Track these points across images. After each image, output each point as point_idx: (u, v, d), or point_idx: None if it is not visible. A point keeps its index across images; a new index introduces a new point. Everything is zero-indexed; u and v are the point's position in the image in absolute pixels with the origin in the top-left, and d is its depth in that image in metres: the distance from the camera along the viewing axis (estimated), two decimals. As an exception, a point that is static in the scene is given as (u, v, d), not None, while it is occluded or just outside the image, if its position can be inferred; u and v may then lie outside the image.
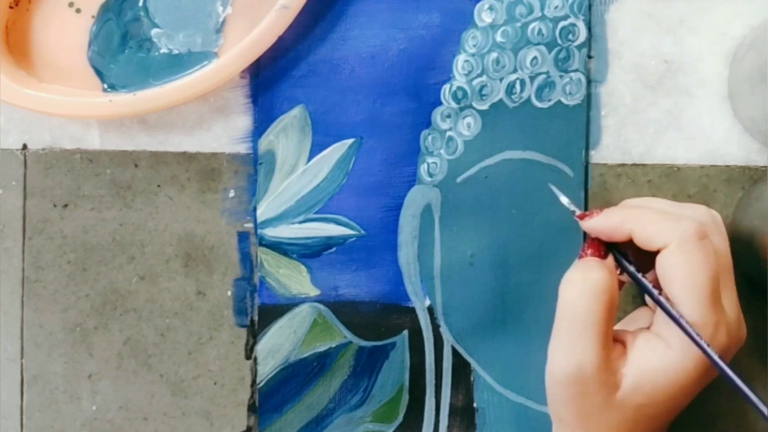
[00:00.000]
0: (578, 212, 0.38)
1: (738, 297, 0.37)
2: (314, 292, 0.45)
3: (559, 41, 0.43)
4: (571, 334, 0.35)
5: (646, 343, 0.35)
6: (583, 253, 0.37)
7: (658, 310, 0.35)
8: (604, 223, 0.36)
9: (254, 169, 0.45)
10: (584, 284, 0.35)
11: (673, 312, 0.34)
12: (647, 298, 0.39)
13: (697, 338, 0.33)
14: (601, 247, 0.37)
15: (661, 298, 0.35)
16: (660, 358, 0.34)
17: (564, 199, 0.39)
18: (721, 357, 0.33)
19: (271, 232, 0.45)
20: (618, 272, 0.37)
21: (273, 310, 0.45)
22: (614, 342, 0.36)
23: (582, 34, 0.43)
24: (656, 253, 0.35)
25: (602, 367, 0.34)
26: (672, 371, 0.34)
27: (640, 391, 0.34)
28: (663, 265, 0.34)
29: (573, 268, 0.36)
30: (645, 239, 0.35)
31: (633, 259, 0.37)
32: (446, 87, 0.44)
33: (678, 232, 0.34)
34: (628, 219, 0.36)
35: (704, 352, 0.33)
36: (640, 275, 0.36)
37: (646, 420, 0.35)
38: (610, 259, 0.36)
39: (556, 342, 0.35)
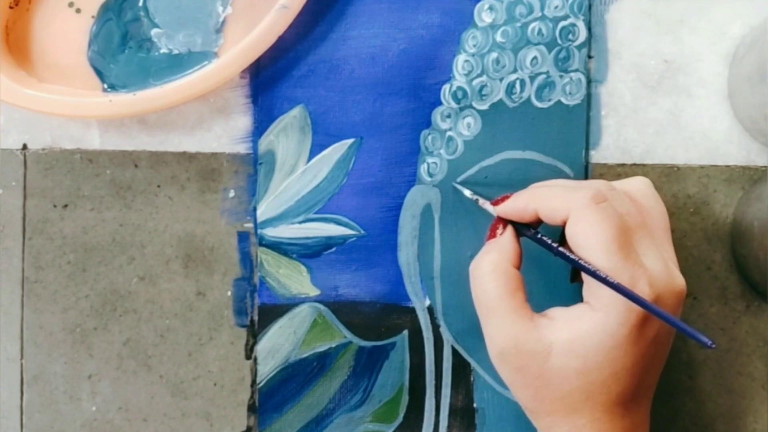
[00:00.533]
0: (481, 200, 0.41)
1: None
2: (314, 292, 0.45)
3: (559, 41, 0.43)
4: (486, 319, 0.37)
5: (574, 311, 0.36)
6: (487, 236, 0.40)
7: (585, 283, 0.36)
8: (512, 205, 0.39)
9: (254, 169, 0.45)
10: (476, 271, 0.38)
11: (588, 266, 0.35)
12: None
13: (615, 282, 0.34)
14: (499, 224, 0.39)
15: (568, 252, 0.36)
16: (587, 322, 0.35)
17: (467, 192, 0.42)
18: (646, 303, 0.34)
19: (271, 232, 0.45)
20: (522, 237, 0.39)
21: (273, 310, 0.45)
22: (540, 317, 0.37)
23: (582, 34, 0.43)
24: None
25: (525, 337, 0.36)
26: (600, 330, 0.35)
27: (574, 354, 0.35)
28: (569, 236, 0.36)
29: (475, 257, 0.39)
30: (548, 215, 0.37)
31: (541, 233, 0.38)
32: (446, 87, 0.44)
33: (575, 200, 0.36)
34: (533, 199, 0.38)
35: (625, 294, 0.34)
36: (540, 235, 0.38)
37: (600, 390, 0.36)
38: (506, 238, 0.39)
39: (483, 331, 0.38)
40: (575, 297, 0.37)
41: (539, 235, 0.38)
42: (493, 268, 0.37)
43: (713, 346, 0.32)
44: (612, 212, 0.35)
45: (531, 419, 0.39)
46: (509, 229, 0.39)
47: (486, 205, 0.40)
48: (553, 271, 0.44)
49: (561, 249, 0.37)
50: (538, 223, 0.38)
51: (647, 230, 0.36)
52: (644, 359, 0.36)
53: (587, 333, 0.35)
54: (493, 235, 0.39)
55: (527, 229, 0.39)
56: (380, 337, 0.45)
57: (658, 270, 0.35)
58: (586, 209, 0.35)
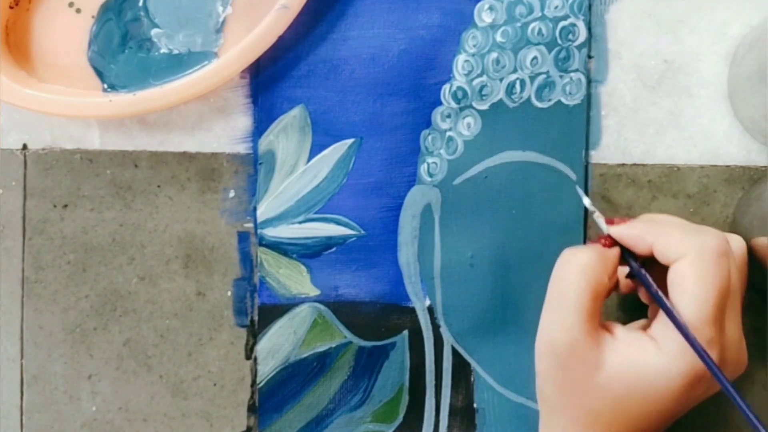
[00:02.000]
0: (597, 214, 0.39)
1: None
2: (314, 292, 0.45)
3: (559, 41, 0.43)
4: (555, 307, 0.36)
5: (639, 341, 0.36)
6: (595, 241, 0.38)
7: (658, 316, 0.36)
8: (628, 231, 0.37)
9: (254, 169, 0.45)
10: (571, 260, 0.37)
11: (673, 312, 0.34)
12: (650, 310, 0.40)
13: (694, 340, 0.33)
14: (607, 240, 0.38)
15: (663, 298, 0.35)
16: (648, 357, 0.35)
17: (586, 201, 0.40)
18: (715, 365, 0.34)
19: (271, 232, 0.45)
20: (626, 275, 0.38)
21: (273, 310, 0.45)
22: (604, 330, 0.36)
23: (582, 34, 0.43)
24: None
25: (584, 343, 0.35)
26: (658, 372, 0.34)
27: (622, 380, 0.35)
28: (675, 272, 0.35)
29: (572, 249, 0.38)
30: (664, 252, 0.35)
31: (641, 263, 0.37)
32: (446, 87, 0.44)
33: (698, 244, 0.35)
34: (651, 232, 0.36)
35: (699, 353, 0.33)
36: (643, 271, 0.37)
37: (627, 420, 0.36)
38: (613, 252, 0.37)
39: (543, 315, 0.37)
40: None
41: (643, 271, 0.37)
42: (589, 265, 0.36)
43: None
44: (726, 271, 0.34)
45: (540, 407, 0.38)
46: (617, 249, 0.38)
47: (600, 220, 0.38)
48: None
49: (656, 289, 0.36)
50: (643, 255, 0.37)
51: (737, 296, 0.36)
52: (678, 411, 0.36)
53: (645, 368, 0.34)
54: (606, 244, 0.38)
55: (634, 260, 0.37)
56: (380, 337, 0.45)
57: (734, 341, 0.35)
58: (706, 256, 0.34)
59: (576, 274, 0.36)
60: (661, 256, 0.36)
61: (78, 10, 0.45)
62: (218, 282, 0.45)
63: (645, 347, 0.35)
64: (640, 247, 0.37)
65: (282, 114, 0.44)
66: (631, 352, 0.35)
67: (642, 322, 0.40)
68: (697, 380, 0.34)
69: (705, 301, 0.34)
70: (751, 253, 0.41)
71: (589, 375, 0.35)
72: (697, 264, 0.34)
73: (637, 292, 0.40)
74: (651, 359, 0.35)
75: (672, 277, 0.35)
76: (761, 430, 0.32)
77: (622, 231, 0.37)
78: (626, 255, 0.37)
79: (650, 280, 0.36)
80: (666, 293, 0.36)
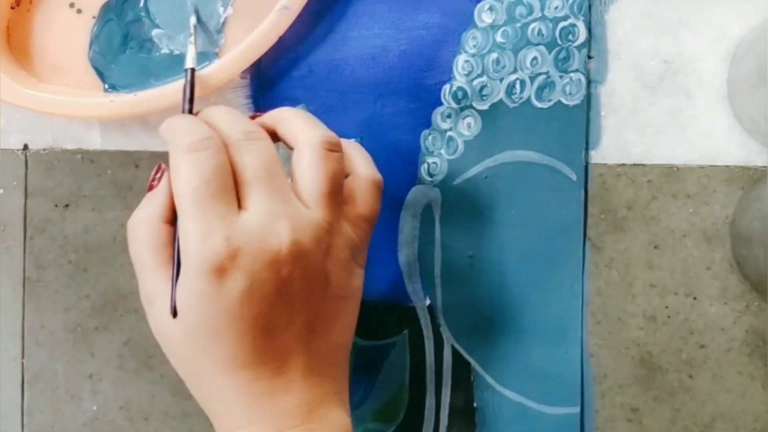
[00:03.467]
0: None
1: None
2: (315, 291, 0.45)
3: (559, 42, 0.43)
4: (136, 269, 0.36)
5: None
6: (151, 182, 0.38)
7: None
8: (167, 125, 0.37)
9: (255, 169, 0.45)
10: (128, 227, 0.36)
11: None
12: None
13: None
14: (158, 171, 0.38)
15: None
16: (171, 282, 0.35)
17: (191, 62, 0.41)
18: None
19: (272, 232, 0.45)
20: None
21: (273, 310, 0.45)
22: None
23: (582, 35, 0.43)
24: None
25: (157, 293, 0.35)
26: (185, 289, 0.34)
27: (180, 319, 0.34)
28: (297, 154, 0.36)
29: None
30: (287, 136, 0.37)
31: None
32: (446, 87, 0.44)
33: (316, 134, 0.36)
34: (274, 119, 0.38)
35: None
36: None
37: (213, 354, 0.34)
38: (161, 190, 0.37)
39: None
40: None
41: None
42: (138, 224, 0.36)
43: None
44: (205, 159, 0.34)
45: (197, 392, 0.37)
46: (165, 184, 0.36)
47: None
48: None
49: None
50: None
51: (275, 186, 0.35)
52: (252, 312, 0.34)
53: (179, 294, 0.34)
54: (151, 187, 0.37)
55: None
56: (380, 336, 0.45)
57: (253, 223, 0.34)
58: (181, 155, 0.34)
59: (133, 238, 0.36)
60: (285, 139, 0.37)
61: (79, 11, 0.45)
62: (219, 282, 0.45)
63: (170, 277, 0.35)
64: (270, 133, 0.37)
65: (282, 114, 0.44)
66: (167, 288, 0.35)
67: None
68: (216, 272, 0.33)
69: (188, 195, 0.34)
70: (749, 249, 0.42)
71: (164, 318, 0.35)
72: (176, 165, 0.34)
73: None
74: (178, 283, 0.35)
75: (294, 159, 0.36)
76: None
77: (163, 126, 0.37)
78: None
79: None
80: None
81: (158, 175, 0.37)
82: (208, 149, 0.34)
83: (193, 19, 0.41)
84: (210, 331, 0.34)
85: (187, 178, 0.34)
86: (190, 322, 0.34)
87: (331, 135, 0.36)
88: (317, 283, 0.35)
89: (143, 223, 0.36)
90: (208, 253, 0.33)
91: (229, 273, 0.33)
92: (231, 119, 0.36)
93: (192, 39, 0.42)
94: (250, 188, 0.34)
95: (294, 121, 0.37)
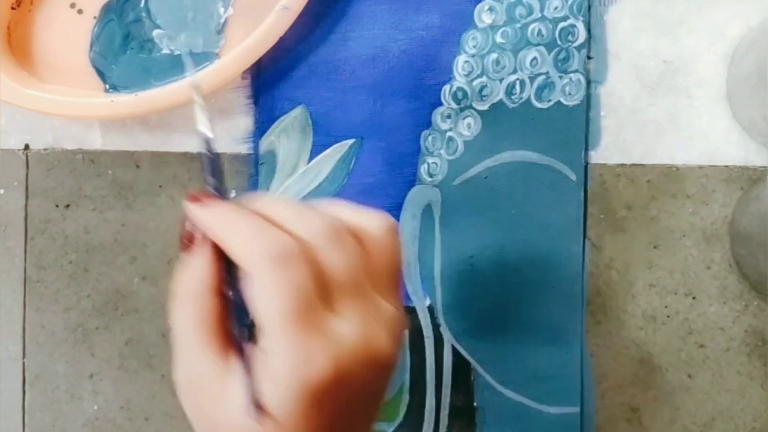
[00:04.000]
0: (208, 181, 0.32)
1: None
2: (315, 291, 0.45)
3: (559, 42, 0.43)
4: (175, 344, 0.31)
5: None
6: (186, 240, 0.32)
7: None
8: (203, 216, 0.31)
9: (255, 169, 0.45)
10: (175, 292, 0.31)
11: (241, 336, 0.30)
12: None
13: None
14: (190, 235, 0.31)
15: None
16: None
17: (203, 127, 0.32)
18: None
19: (272, 232, 0.45)
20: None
21: (274, 310, 0.45)
22: (233, 356, 0.31)
23: (581, 35, 0.43)
24: None
25: (206, 378, 0.31)
26: (280, 381, 0.29)
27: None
28: (249, 297, 0.30)
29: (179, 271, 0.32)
30: (233, 255, 0.30)
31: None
32: (446, 87, 0.44)
33: (255, 253, 0.29)
34: (223, 222, 0.31)
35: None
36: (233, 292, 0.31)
37: None
38: (201, 257, 0.31)
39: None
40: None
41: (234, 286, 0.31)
42: (187, 293, 0.31)
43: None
44: (297, 274, 0.29)
45: None
46: (207, 248, 0.31)
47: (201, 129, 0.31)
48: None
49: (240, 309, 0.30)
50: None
51: (358, 285, 0.31)
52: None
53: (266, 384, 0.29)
54: (185, 247, 0.32)
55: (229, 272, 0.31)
56: (381, 336, 0.45)
57: (351, 336, 0.30)
58: (264, 268, 0.29)
59: (180, 305, 0.31)
60: (235, 259, 0.30)
61: (80, 11, 0.45)
62: (219, 282, 0.45)
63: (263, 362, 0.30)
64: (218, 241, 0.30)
65: (283, 114, 0.45)
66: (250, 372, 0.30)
67: None
68: (317, 396, 0.29)
69: (278, 315, 0.29)
70: (749, 249, 0.42)
71: (221, 410, 0.30)
72: (258, 280, 0.29)
73: None
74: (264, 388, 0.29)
75: (250, 302, 0.30)
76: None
77: (197, 213, 0.31)
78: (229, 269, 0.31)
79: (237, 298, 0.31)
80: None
81: (188, 228, 0.31)
82: (295, 264, 0.29)
83: (193, 79, 0.35)
84: None
85: (277, 297, 0.29)
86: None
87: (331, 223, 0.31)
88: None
89: (191, 296, 0.31)
90: (311, 375, 0.29)
91: (333, 390, 0.30)
92: (297, 217, 0.31)
93: (198, 101, 0.32)
94: (339, 292, 0.30)
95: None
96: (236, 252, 0.30)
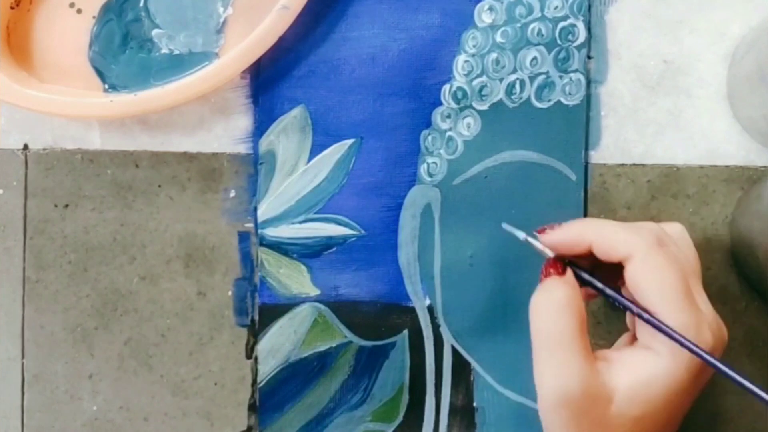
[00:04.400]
0: (534, 241, 0.38)
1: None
2: (314, 291, 0.45)
3: (559, 42, 0.43)
4: (550, 356, 0.35)
5: (635, 356, 0.35)
6: (543, 274, 0.37)
7: (638, 324, 0.35)
8: (563, 236, 0.36)
9: (255, 169, 0.45)
10: (549, 305, 0.35)
11: (653, 319, 0.34)
12: (627, 317, 0.39)
13: (681, 339, 0.33)
14: (559, 265, 0.36)
15: (640, 310, 0.34)
16: (651, 368, 0.34)
17: (520, 235, 0.39)
18: (710, 354, 0.33)
19: (272, 232, 0.45)
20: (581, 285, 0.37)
21: (273, 310, 0.45)
22: (597, 360, 0.35)
23: (582, 35, 0.43)
24: (616, 266, 0.35)
25: (590, 381, 0.34)
26: (666, 378, 0.34)
27: (636, 402, 0.34)
28: (633, 276, 0.34)
29: (537, 292, 0.36)
30: (605, 250, 0.35)
31: (594, 273, 0.37)
32: (446, 87, 0.44)
33: (639, 242, 0.34)
34: (587, 231, 0.36)
35: (692, 351, 0.33)
36: (602, 285, 0.36)
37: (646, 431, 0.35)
38: (570, 274, 0.36)
39: (538, 369, 0.35)
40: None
41: (597, 279, 0.36)
42: (567, 302, 0.35)
43: None
44: (674, 256, 0.34)
45: None
46: (570, 273, 0.36)
47: (537, 243, 0.37)
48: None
49: (623, 298, 0.35)
50: (584, 258, 0.37)
51: (697, 276, 0.36)
52: (689, 405, 0.35)
53: (653, 379, 0.34)
54: (556, 271, 0.36)
55: (586, 273, 0.37)
56: (380, 336, 0.45)
57: (711, 315, 0.35)
58: (653, 252, 0.34)
59: (557, 317, 0.35)
60: (604, 255, 0.35)
61: (79, 11, 0.45)
62: (219, 282, 0.45)
63: (645, 359, 0.34)
64: (577, 248, 0.36)
65: (282, 114, 0.44)
66: (634, 371, 0.34)
67: (624, 338, 0.39)
68: (701, 368, 0.34)
69: (673, 293, 0.34)
70: (749, 249, 0.42)
71: (604, 410, 0.34)
72: (648, 261, 0.34)
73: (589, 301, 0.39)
74: (655, 368, 0.34)
75: (632, 283, 0.34)
76: (762, 395, 0.32)
77: (557, 235, 0.37)
78: (580, 274, 0.37)
79: (616, 294, 0.36)
80: (619, 291, 0.36)
81: (556, 266, 0.36)
82: (670, 247, 0.35)
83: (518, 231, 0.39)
84: (665, 418, 0.35)
85: (669, 273, 0.34)
86: (651, 409, 0.34)
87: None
88: None
89: (569, 303, 0.35)
90: (703, 345, 0.33)
91: (707, 366, 0.34)
92: (629, 225, 0.36)
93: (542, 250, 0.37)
94: (691, 281, 0.35)
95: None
96: (619, 245, 0.35)
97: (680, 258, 0.35)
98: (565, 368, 0.34)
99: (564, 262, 0.36)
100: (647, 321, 0.34)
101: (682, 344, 0.33)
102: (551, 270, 0.36)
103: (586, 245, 0.36)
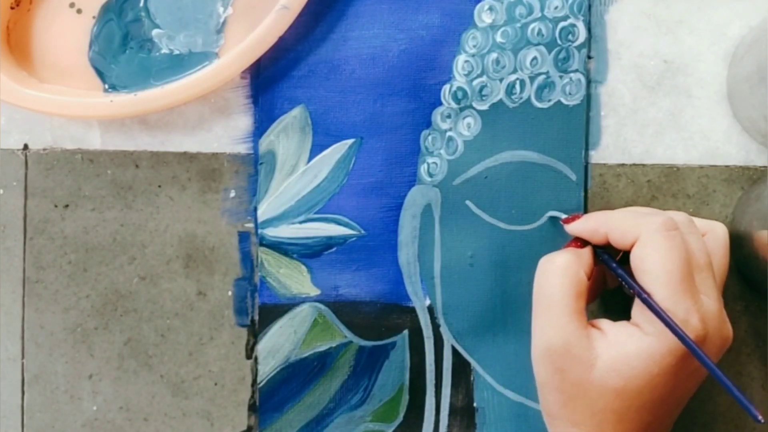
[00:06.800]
0: (564, 217, 0.42)
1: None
2: (314, 291, 0.45)
3: (559, 42, 0.43)
4: (542, 312, 0.37)
5: (624, 330, 0.36)
6: (567, 245, 0.40)
7: (635, 302, 0.37)
8: (583, 225, 0.40)
9: (255, 169, 0.45)
10: (549, 266, 0.38)
11: (644, 295, 0.35)
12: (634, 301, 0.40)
13: (668, 318, 0.34)
14: (579, 242, 0.40)
15: (634, 284, 0.36)
16: (636, 343, 0.35)
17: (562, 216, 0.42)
18: (697, 344, 0.34)
19: (272, 232, 0.45)
20: (596, 264, 0.40)
21: (273, 310, 0.45)
22: (592, 327, 0.37)
23: (582, 35, 0.43)
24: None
25: (573, 341, 0.36)
26: (648, 356, 0.35)
27: (617, 372, 0.35)
28: (634, 258, 0.36)
29: (545, 257, 0.39)
30: (618, 238, 0.37)
31: (611, 255, 0.39)
32: (446, 87, 0.44)
33: (645, 224, 0.36)
34: (604, 221, 0.38)
35: (675, 333, 0.34)
36: (614, 264, 0.38)
37: (632, 414, 0.36)
38: (585, 251, 0.39)
39: (533, 323, 0.38)
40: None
41: (606, 257, 0.39)
42: (567, 266, 0.37)
43: (761, 420, 0.32)
44: (680, 242, 0.36)
45: (547, 425, 0.38)
46: (589, 248, 0.39)
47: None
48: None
49: (621, 271, 0.37)
50: (608, 247, 0.39)
51: (712, 273, 0.37)
52: (678, 392, 0.36)
53: (634, 355, 0.35)
54: (575, 246, 0.40)
55: (601, 252, 0.39)
56: (380, 336, 0.45)
57: (714, 310, 0.36)
58: (655, 234, 0.36)
59: (556, 276, 0.37)
60: (617, 243, 0.37)
61: (79, 11, 0.45)
62: (219, 282, 0.45)
63: (631, 334, 0.36)
64: (596, 238, 0.39)
65: (282, 114, 0.44)
66: (620, 343, 0.36)
67: None
68: (687, 354, 0.35)
69: (667, 275, 0.35)
70: (749, 249, 0.42)
71: (586, 373, 0.36)
72: (649, 243, 0.36)
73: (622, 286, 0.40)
74: (638, 345, 0.35)
75: (633, 264, 0.36)
76: (728, 384, 0.33)
77: (578, 226, 0.40)
78: (599, 253, 0.39)
79: (622, 271, 0.37)
80: (627, 271, 0.37)
81: (578, 244, 0.40)
82: (678, 234, 0.36)
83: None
84: (646, 399, 0.36)
85: (668, 255, 0.35)
86: (631, 385, 0.35)
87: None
88: None
89: (567, 267, 0.37)
90: (690, 331, 0.35)
91: (689, 357, 0.35)
92: (648, 211, 0.39)
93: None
94: (701, 274, 0.36)
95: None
96: (628, 230, 0.36)
97: (692, 248, 0.36)
98: (552, 324, 0.37)
99: (584, 242, 0.40)
100: (639, 296, 0.35)
101: (666, 323, 0.34)
102: (571, 245, 0.40)
103: (602, 235, 0.38)
